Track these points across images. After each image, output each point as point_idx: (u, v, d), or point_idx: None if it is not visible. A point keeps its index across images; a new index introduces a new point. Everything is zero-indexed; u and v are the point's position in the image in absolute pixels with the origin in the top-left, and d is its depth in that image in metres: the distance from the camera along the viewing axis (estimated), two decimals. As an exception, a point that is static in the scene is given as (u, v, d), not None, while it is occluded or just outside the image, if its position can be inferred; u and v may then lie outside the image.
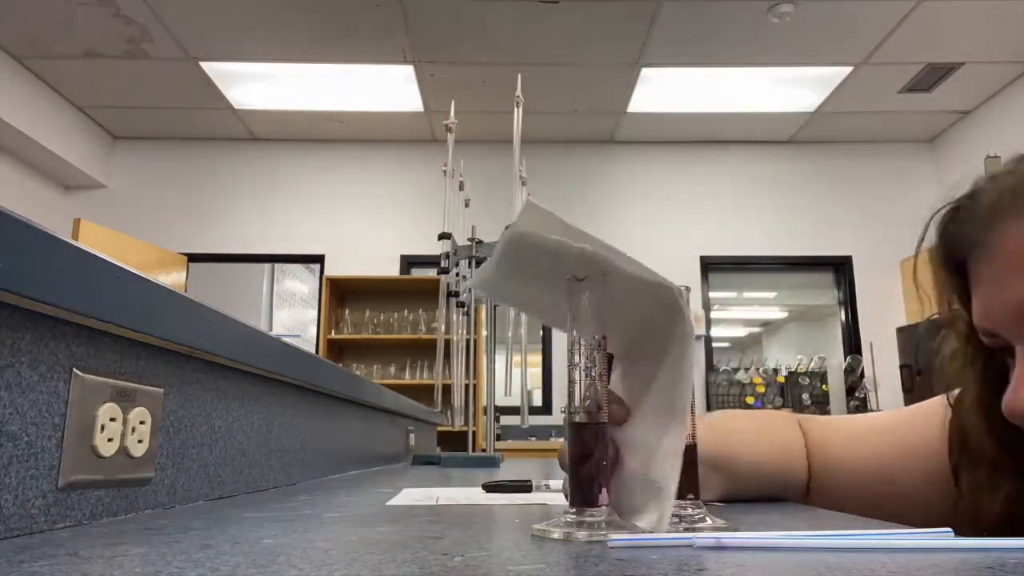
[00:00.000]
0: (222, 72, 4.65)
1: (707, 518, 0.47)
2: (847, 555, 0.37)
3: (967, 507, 0.60)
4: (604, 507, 0.44)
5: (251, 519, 0.54)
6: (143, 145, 5.61)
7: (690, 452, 0.50)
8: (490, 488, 0.82)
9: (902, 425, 0.71)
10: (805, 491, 0.72)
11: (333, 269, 5.31)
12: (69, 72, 4.61)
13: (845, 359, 5.25)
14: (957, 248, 0.57)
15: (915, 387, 4.32)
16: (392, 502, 0.69)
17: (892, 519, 0.58)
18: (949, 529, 0.42)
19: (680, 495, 0.49)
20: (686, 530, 0.46)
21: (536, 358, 5.31)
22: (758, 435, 0.71)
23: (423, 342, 4.86)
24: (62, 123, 4.95)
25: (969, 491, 0.60)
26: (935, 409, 0.68)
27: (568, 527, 0.43)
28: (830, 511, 0.64)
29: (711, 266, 5.50)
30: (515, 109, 2.13)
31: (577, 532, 0.42)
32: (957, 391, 0.65)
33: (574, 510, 0.44)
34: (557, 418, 5.16)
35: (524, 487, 0.81)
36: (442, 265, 2.03)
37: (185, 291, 1.35)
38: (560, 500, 0.71)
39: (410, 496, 0.76)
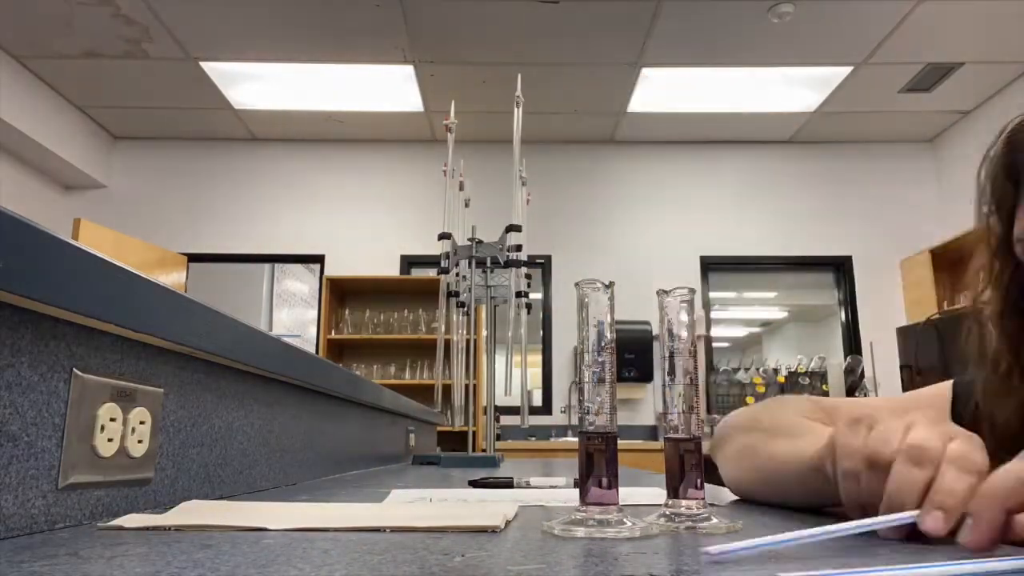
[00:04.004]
0: (222, 72, 4.65)
1: (712, 518, 0.47)
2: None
3: (984, 414, 0.60)
4: (615, 505, 0.44)
5: (251, 519, 0.54)
6: (143, 145, 5.61)
7: (695, 448, 0.50)
8: (476, 484, 0.88)
9: (911, 402, 0.73)
10: None
11: (333, 269, 5.31)
12: (69, 72, 4.61)
13: (845, 359, 5.25)
14: (1020, 161, 0.57)
15: (915, 387, 4.31)
16: (386, 501, 0.69)
17: None
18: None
19: (684, 494, 0.49)
20: (688, 529, 0.46)
21: (536, 358, 5.31)
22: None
23: (423, 342, 4.86)
24: (62, 123, 4.95)
25: (984, 397, 0.61)
26: (939, 389, 0.69)
27: (584, 526, 0.43)
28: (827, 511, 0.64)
29: (711, 266, 5.50)
30: (515, 109, 2.13)
31: (594, 531, 0.43)
32: (966, 378, 0.66)
33: (585, 509, 0.44)
34: (557, 418, 5.16)
35: (507, 483, 0.88)
36: (442, 265, 2.03)
37: (185, 291, 1.35)
38: (544, 497, 0.71)
39: (403, 497, 0.76)
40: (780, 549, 0.36)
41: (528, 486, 0.85)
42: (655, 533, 0.44)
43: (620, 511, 0.44)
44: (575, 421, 5.19)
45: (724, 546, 0.35)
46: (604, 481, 0.45)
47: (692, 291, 0.52)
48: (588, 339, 0.47)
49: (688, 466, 0.49)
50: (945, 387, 0.69)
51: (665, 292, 0.52)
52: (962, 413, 0.66)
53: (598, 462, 0.45)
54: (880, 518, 0.41)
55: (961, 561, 0.32)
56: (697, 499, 0.48)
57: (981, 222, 0.63)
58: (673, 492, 0.49)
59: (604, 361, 0.47)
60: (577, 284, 0.48)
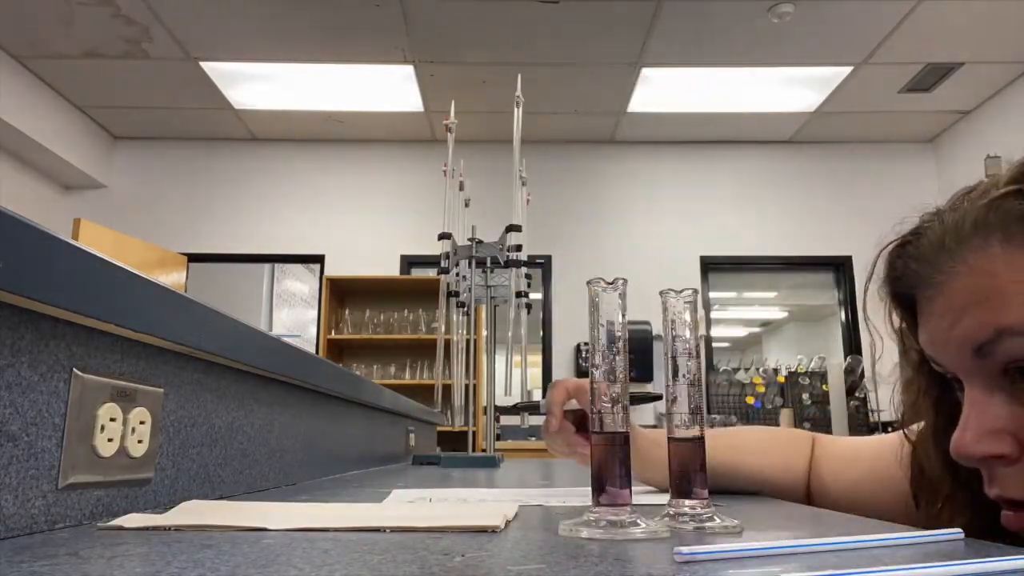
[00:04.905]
0: (222, 72, 4.65)
1: (716, 517, 0.47)
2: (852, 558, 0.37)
3: None
4: (627, 507, 0.44)
5: (251, 519, 0.54)
6: (143, 145, 5.61)
7: (699, 449, 0.49)
8: (504, 411, 0.82)
9: (876, 452, 0.74)
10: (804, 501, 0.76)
11: (333, 269, 5.31)
12: (69, 72, 4.61)
13: (845, 359, 5.24)
14: (905, 284, 0.57)
15: (915, 387, 4.31)
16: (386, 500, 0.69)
17: None
18: (960, 531, 0.42)
19: (687, 494, 0.49)
20: (696, 529, 0.46)
21: (536, 358, 5.31)
22: (764, 447, 0.81)
23: (423, 342, 4.85)
24: (62, 123, 4.95)
25: (927, 524, 0.59)
26: (896, 439, 0.69)
27: (596, 527, 0.43)
28: (830, 511, 0.65)
29: (711, 266, 5.50)
30: (515, 109, 2.13)
31: (604, 532, 0.43)
32: (915, 426, 0.65)
33: (598, 510, 0.44)
34: (557, 418, 5.15)
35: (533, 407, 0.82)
36: (442, 265, 2.02)
37: (185, 291, 1.35)
38: (555, 500, 0.71)
39: (403, 496, 0.76)
40: (749, 555, 0.36)
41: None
42: (665, 535, 0.43)
43: (633, 512, 0.44)
44: (575, 421, 5.20)
45: (694, 548, 0.35)
46: (617, 482, 0.44)
47: (695, 291, 0.51)
48: (599, 339, 0.47)
49: (692, 467, 0.49)
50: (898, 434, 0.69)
51: (668, 292, 0.52)
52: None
53: (611, 462, 0.45)
54: (878, 535, 0.41)
55: (963, 561, 0.32)
56: (701, 499, 0.48)
57: (899, 343, 0.62)
58: (677, 492, 0.49)
59: (615, 361, 0.46)
60: (589, 283, 0.48)
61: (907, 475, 0.65)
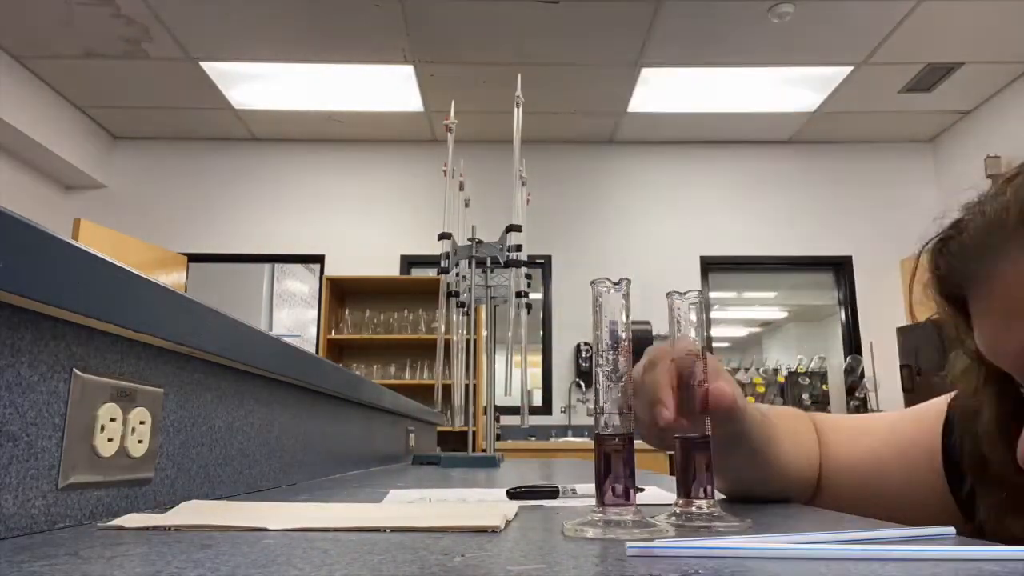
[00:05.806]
0: (222, 72, 4.65)
1: (723, 517, 0.47)
2: (847, 560, 0.37)
3: (990, 531, 0.56)
4: (631, 507, 0.44)
5: (251, 519, 0.54)
6: (143, 145, 5.61)
7: (706, 449, 0.49)
8: (516, 495, 0.74)
9: (900, 424, 0.70)
10: (813, 494, 0.72)
11: (333, 269, 5.31)
12: (69, 72, 4.61)
13: (845, 359, 5.25)
14: (951, 282, 0.54)
15: (915, 387, 4.32)
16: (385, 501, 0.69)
17: (886, 516, 0.57)
18: (952, 528, 0.41)
19: (695, 494, 0.49)
20: (701, 528, 0.46)
21: (536, 358, 5.31)
22: (787, 438, 0.69)
23: (423, 342, 4.85)
24: (62, 123, 4.95)
25: (990, 516, 0.56)
26: (935, 409, 0.67)
27: (600, 527, 0.43)
28: (834, 512, 0.64)
29: (711, 266, 5.50)
30: (515, 109, 2.13)
31: (609, 532, 0.42)
32: (954, 394, 0.64)
33: (601, 510, 0.44)
34: (557, 418, 5.16)
35: (551, 493, 0.73)
36: (442, 265, 2.03)
37: (185, 291, 1.35)
38: (555, 500, 0.71)
39: (402, 497, 0.76)
40: (702, 554, 0.36)
41: (575, 494, 0.75)
42: (671, 535, 0.43)
43: (637, 512, 0.44)
44: (575, 421, 5.20)
45: (646, 544, 0.35)
46: (621, 482, 0.44)
47: (701, 293, 0.51)
48: (603, 339, 0.47)
49: (699, 466, 0.49)
50: (937, 403, 0.67)
51: (674, 294, 0.52)
52: (956, 445, 0.62)
53: (615, 463, 0.45)
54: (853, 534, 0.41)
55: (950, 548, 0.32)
56: (708, 499, 0.48)
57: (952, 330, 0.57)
58: (684, 492, 0.49)
59: (619, 361, 0.46)
60: (593, 283, 0.47)
61: (934, 450, 0.63)
